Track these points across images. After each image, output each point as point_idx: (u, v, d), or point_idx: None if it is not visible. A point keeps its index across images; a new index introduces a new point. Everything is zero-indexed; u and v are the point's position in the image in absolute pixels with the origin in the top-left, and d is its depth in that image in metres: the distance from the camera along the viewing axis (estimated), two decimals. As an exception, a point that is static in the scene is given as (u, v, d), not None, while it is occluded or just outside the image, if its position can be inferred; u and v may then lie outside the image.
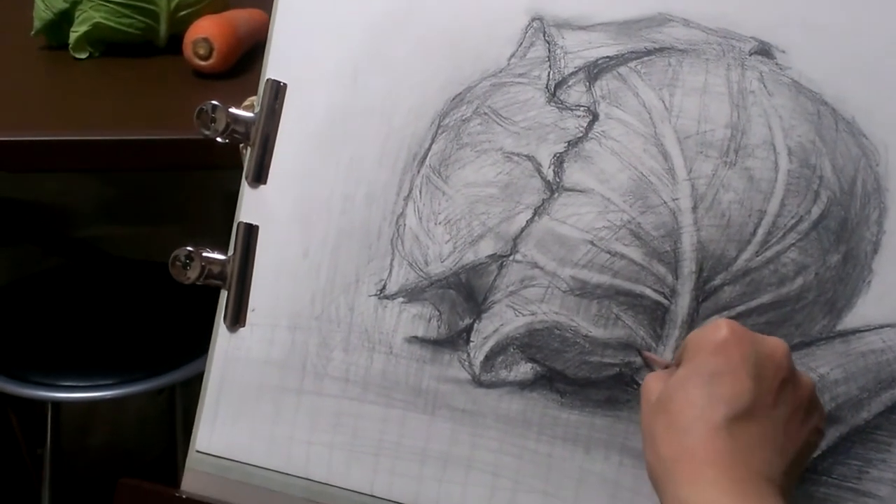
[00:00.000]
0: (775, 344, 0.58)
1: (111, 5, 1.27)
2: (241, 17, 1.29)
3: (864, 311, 0.66)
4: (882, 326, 0.65)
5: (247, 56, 1.28)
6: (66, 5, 1.28)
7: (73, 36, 1.28)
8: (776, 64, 0.68)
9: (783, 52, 0.68)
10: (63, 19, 1.29)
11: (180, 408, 1.46)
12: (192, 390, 1.46)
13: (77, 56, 1.29)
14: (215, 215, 1.76)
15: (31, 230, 1.77)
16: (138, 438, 1.76)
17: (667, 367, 0.63)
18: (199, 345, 1.34)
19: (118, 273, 1.55)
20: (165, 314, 1.42)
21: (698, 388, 0.56)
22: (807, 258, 0.66)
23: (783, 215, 0.66)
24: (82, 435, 1.71)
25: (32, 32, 1.32)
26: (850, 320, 0.66)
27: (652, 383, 0.60)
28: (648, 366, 0.66)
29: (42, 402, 1.37)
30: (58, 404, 1.40)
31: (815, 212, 0.66)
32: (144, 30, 1.29)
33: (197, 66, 1.23)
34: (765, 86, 0.68)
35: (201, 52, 1.22)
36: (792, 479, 0.56)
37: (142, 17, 1.28)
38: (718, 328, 0.57)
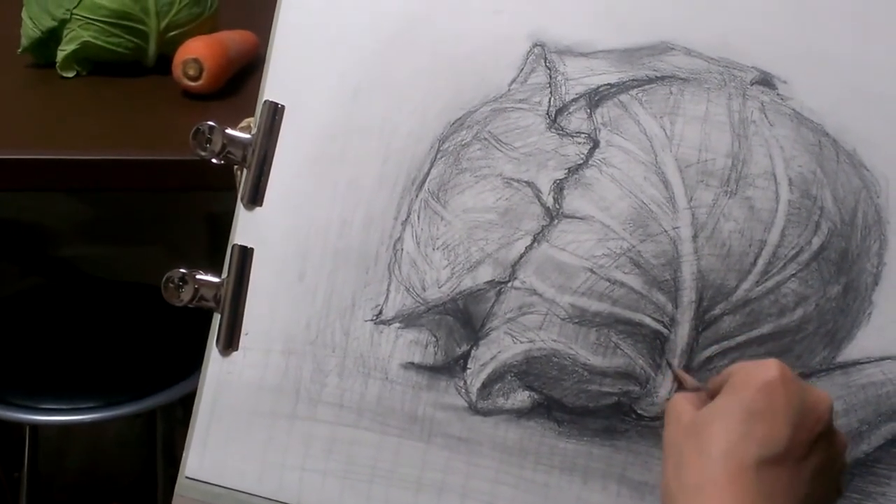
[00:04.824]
0: (821, 396, 0.57)
1: (100, 24, 1.26)
2: (232, 38, 1.29)
3: (864, 342, 0.66)
4: (882, 358, 0.65)
5: (236, 77, 1.27)
6: (54, 23, 1.26)
7: (60, 54, 1.27)
8: (777, 94, 0.68)
9: (784, 82, 0.68)
10: (51, 37, 1.27)
11: (161, 432, 1.44)
12: (172, 414, 1.44)
13: (64, 75, 1.28)
14: (196, 236, 1.75)
15: (9, 249, 1.75)
16: (116, 462, 1.73)
17: (697, 389, 0.62)
18: (182, 368, 1.32)
19: (97, 294, 1.53)
20: (146, 336, 1.40)
21: (736, 423, 0.55)
22: (807, 289, 0.66)
23: (784, 245, 0.66)
24: (59, 458, 1.68)
25: (19, 50, 1.30)
26: (850, 352, 0.66)
27: (683, 403, 0.59)
28: (679, 383, 0.65)
29: (19, 425, 1.35)
30: (35, 427, 1.37)
31: (816, 243, 0.66)
32: (133, 49, 1.28)
33: (186, 87, 1.22)
34: (766, 116, 0.68)
35: (191, 72, 1.21)
36: None
37: (131, 37, 1.27)
38: (769, 367, 0.56)
